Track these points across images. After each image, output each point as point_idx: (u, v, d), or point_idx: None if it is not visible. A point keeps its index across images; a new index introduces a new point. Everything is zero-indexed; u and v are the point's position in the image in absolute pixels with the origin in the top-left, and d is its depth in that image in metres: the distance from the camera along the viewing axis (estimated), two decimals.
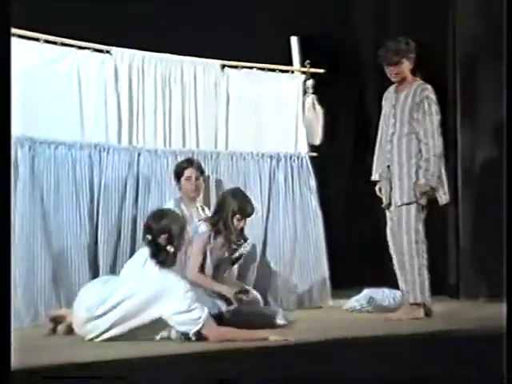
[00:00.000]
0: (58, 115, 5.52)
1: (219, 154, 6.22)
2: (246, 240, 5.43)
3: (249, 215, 5.33)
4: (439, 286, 6.28)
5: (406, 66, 5.41)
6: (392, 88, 5.55)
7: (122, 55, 5.88)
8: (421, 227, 5.31)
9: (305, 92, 6.55)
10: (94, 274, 5.41)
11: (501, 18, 4.08)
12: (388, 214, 5.49)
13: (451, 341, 4.42)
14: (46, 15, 5.67)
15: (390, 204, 5.45)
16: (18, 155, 5.28)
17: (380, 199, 5.54)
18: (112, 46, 5.84)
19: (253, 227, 5.71)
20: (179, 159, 5.91)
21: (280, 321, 4.94)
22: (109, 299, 4.35)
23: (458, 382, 3.97)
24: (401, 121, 5.40)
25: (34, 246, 5.26)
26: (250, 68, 6.43)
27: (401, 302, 5.58)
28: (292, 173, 6.43)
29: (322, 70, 6.62)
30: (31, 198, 5.30)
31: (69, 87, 5.62)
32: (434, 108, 5.32)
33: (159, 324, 4.34)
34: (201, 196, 5.86)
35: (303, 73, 6.57)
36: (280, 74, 6.54)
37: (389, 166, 5.45)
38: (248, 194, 5.70)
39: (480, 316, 5.40)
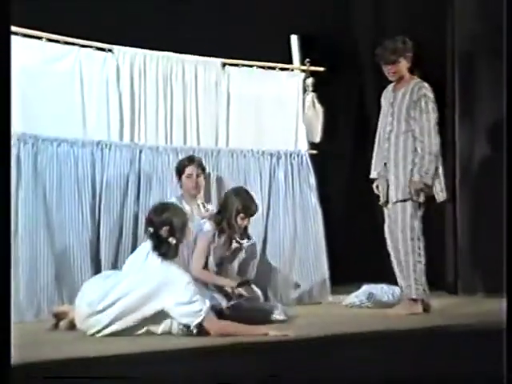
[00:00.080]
0: (61, 113, 5.54)
1: (220, 151, 6.25)
2: (249, 238, 5.47)
3: (252, 214, 5.36)
4: (437, 281, 6.35)
5: (404, 64, 5.43)
6: (390, 86, 5.58)
7: (124, 54, 5.91)
8: (416, 224, 5.32)
9: (305, 90, 6.57)
10: (96, 270, 5.43)
11: (500, 17, 4.10)
12: (386, 211, 5.51)
13: (449, 336, 4.45)
14: (48, 14, 5.68)
15: (387, 201, 5.48)
16: (21, 152, 5.30)
17: (379, 196, 5.58)
18: (114, 44, 5.86)
19: (253, 224, 5.71)
20: (180, 156, 5.94)
21: (279, 316, 4.96)
22: (110, 294, 4.38)
23: (456, 377, 3.99)
24: (398, 119, 5.42)
25: (37, 242, 5.29)
26: (251, 66, 6.44)
27: (399, 297, 5.62)
28: (292, 170, 6.46)
29: (321, 69, 6.65)
30: (34, 194, 5.32)
31: (71, 85, 5.65)
32: (431, 106, 5.34)
33: (160, 316, 4.39)
34: (202, 193, 5.88)
35: (303, 71, 6.59)
36: (280, 72, 6.56)
37: (385, 164, 5.49)
38: (249, 191, 5.75)
39: (478, 311, 5.43)
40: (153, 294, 4.34)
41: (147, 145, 5.93)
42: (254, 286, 5.54)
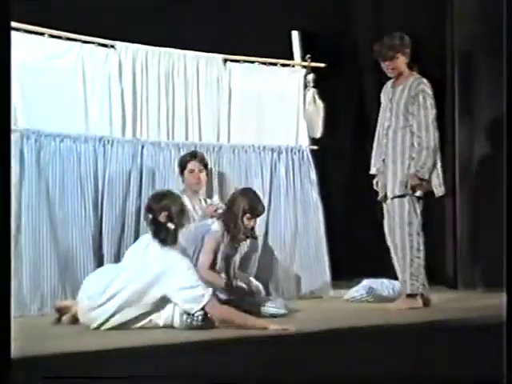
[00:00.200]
0: (63, 109, 5.56)
1: (221, 146, 6.26)
2: (255, 238, 5.49)
3: (259, 214, 5.37)
4: (437, 276, 6.37)
5: (402, 60, 5.44)
6: (389, 83, 5.59)
7: (126, 50, 5.92)
8: (415, 220, 5.34)
9: (305, 86, 6.58)
10: (99, 265, 5.43)
11: (500, 14, 4.12)
12: (385, 206, 5.53)
13: (449, 330, 4.47)
14: (50, 10, 5.70)
15: (385, 197, 5.50)
16: (24, 148, 5.33)
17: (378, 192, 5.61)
18: (116, 40, 5.89)
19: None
20: (182, 152, 5.96)
21: (272, 309, 5.00)
22: (110, 286, 4.42)
23: (455, 371, 4.02)
24: (396, 114, 5.43)
25: (40, 237, 5.31)
26: (252, 62, 6.46)
27: (400, 292, 5.62)
28: (293, 165, 6.48)
29: (322, 65, 6.65)
30: (37, 190, 5.35)
31: (73, 81, 5.66)
32: (430, 102, 5.34)
33: (162, 305, 4.42)
34: (204, 189, 5.91)
35: (304, 67, 6.59)
36: (281, 68, 6.57)
37: (384, 160, 5.51)
38: (249, 186, 5.78)
39: (477, 306, 5.44)
40: (154, 281, 4.37)
41: (149, 140, 5.94)
42: (254, 280, 5.59)
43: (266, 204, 6.19)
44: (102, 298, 4.40)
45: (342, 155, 7.66)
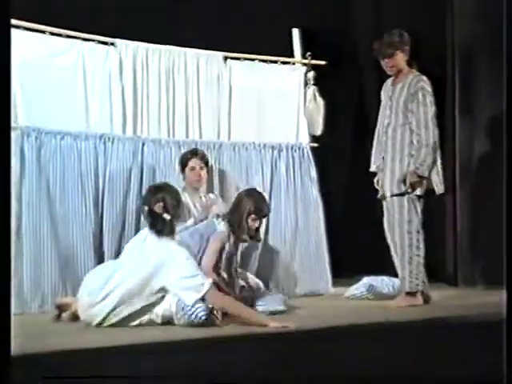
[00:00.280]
0: (64, 106, 5.57)
1: (222, 144, 6.27)
2: (258, 240, 5.50)
3: (264, 216, 5.37)
4: (437, 273, 6.38)
5: (401, 57, 5.43)
6: (389, 80, 5.59)
7: (127, 47, 5.93)
8: (415, 218, 5.33)
9: (306, 83, 6.59)
10: (99, 262, 5.43)
11: (501, 14, 4.12)
12: (384, 204, 5.53)
13: (449, 327, 4.48)
14: (50, 8, 5.71)
15: (385, 195, 5.51)
16: (25, 145, 5.34)
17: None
18: (116, 38, 5.89)
19: None
20: (183, 149, 5.97)
21: (271, 307, 5.00)
22: (109, 282, 4.44)
23: (455, 368, 4.02)
24: (396, 112, 5.43)
25: (41, 235, 5.33)
26: (252, 60, 6.46)
27: (400, 289, 5.63)
28: (293, 163, 6.48)
29: (323, 62, 6.66)
30: (37, 187, 5.36)
31: (74, 79, 5.67)
32: (429, 99, 5.33)
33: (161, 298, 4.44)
34: (204, 186, 5.92)
35: (304, 64, 6.60)
36: (282, 65, 6.57)
37: (383, 157, 5.52)
38: (250, 183, 5.78)
39: (477, 303, 5.45)
40: (154, 273, 4.39)
41: (150, 138, 5.95)
42: (254, 278, 5.60)
43: None
44: (101, 294, 4.43)
45: (342, 153, 7.67)
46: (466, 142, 6.66)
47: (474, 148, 6.65)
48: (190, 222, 5.56)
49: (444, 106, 6.35)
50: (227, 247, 5.28)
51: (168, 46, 6.13)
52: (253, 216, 5.24)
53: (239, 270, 5.54)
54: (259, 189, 5.76)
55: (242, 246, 5.61)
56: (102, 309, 4.41)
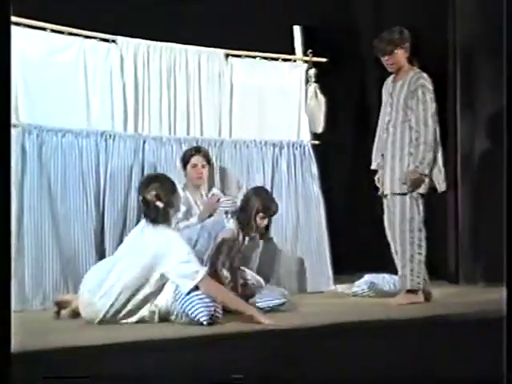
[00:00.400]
0: (65, 104, 5.57)
1: (223, 141, 6.28)
2: (268, 239, 5.49)
3: (272, 214, 5.33)
4: (439, 271, 6.38)
5: (401, 55, 5.42)
6: (391, 77, 5.57)
7: (128, 44, 5.93)
8: (416, 216, 5.32)
9: (307, 81, 6.58)
10: (101, 259, 5.36)
11: (501, 10, 4.12)
12: (385, 202, 5.52)
13: (450, 325, 4.48)
14: (52, 5, 5.71)
15: (385, 193, 5.51)
16: (26, 143, 5.35)
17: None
18: (117, 35, 5.90)
19: None
20: (184, 147, 5.98)
21: (271, 302, 4.99)
22: (108, 278, 4.46)
23: (457, 365, 4.03)
24: (396, 109, 5.42)
25: (42, 232, 5.33)
26: (254, 57, 6.47)
27: (401, 287, 5.65)
28: (295, 160, 6.49)
29: (324, 59, 6.66)
30: (39, 185, 5.36)
31: (75, 76, 5.67)
32: (429, 96, 5.31)
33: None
34: (206, 184, 5.91)
35: (306, 62, 6.60)
36: (283, 63, 6.57)
37: (383, 155, 5.51)
38: (251, 181, 5.77)
39: (478, 300, 5.45)
40: (152, 262, 4.41)
41: (151, 135, 5.96)
42: (255, 275, 5.60)
43: None
44: (101, 289, 4.43)
45: (343, 150, 7.67)
46: (467, 139, 6.66)
47: (476, 145, 6.65)
48: (193, 220, 5.56)
49: (445, 103, 6.34)
50: (236, 244, 5.27)
51: (169, 44, 6.14)
52: (261, 214, 5.23)
53: (242, 268, 5.55)
54: None
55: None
56: (102, 304, 4.42)
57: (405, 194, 5.32)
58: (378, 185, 5.57)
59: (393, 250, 5.48)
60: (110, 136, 5.74)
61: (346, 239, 7.07)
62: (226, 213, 5.37)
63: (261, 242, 5.96)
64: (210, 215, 5.59)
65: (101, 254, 5.54)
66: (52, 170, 5.46)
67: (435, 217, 6.12)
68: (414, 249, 5.32)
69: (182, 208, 5.46)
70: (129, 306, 4.44)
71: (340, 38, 7.27)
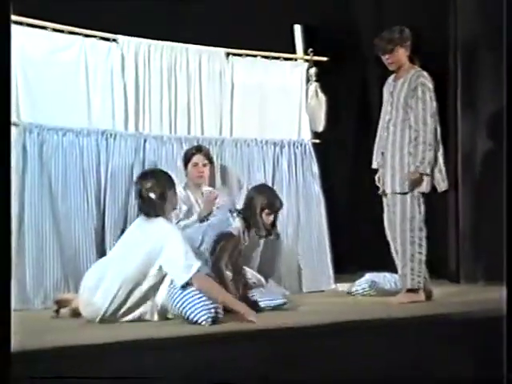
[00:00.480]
0: (66, 102, 5.58)
1: (224, 140, 6.28)
2: (276, 236, 5.49)
3: (277, 210, 5.33)
4: (440, 270, 6.38)
5: (402, 53, 5.40)
6: (391, 76, 5.56)
7: (129, 43, 5.94)
8: (417, 215, 5.30)
9: (308, 80, 6.58)
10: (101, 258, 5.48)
11: (502, 9, 4.12)
12: (385, 200, 5.51)
13: (450, 323, 4.48)
14: (52, 4, 5.71)
15: (385, 192, 5.50)
16: (27, 142, 5.35)
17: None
18: (118, 34, 5.90)
19: None
20: (184, 146, 5.98)
21: (271, 302, 4.99)
22: (106, 276, 4.46)
23: (457, 364, 4.03)
24: (396, 108, 5.41)
25: (43, 231, 5.34)
26: (255, 56, 6.48)
27: (402, 286, 5.65)
28: (295, 159, 6.49)
29: (325, 58, 6.66)
30: (39, 184, 5.37)
31: (76, 75, 5.68)
32: (429, 95, 5.30)
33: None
34: (206, 183, 5.90)
35: (306, 61, 6.60)
36: (284, 62, 6.58)
37: (383, 153, 5.50)
38: (252, 180, 5.76)
39: (479, 299, 5.44)
40: (150, 255, 4.42)
41: (152, 134, 5.96)
42: (256, 274, 5.60)
43: None
44: (100, 288, 4.44)
45: (344, 149, 7.67)
46: (468, 138, 6.66)
47: (477, 145, 6.65)
48: (194, 218, 5.57)
49: (446, 102, 6.34)
50: (242, 242, 5.27)
51: (170, 43, 6.15)
52: (266, 211, 5.23)
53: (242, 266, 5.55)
54: None
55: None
56: (102, 302, 4.42)
57: (405, 193, 5.32)
58: (379, 184, 5.57)
59: (393, 250, 5.47)
60: (111, 135, 5.74)
61: (347, 238, 7.08)
62: (231, 211, 5.37)
63: (261, 241, 5.97)
64: (210, 213, 5.58)
65: (101, 253, 5.53)
66: (53, 169, 5.46)
67: (436, 216, 6.12)
68: (414, 248, 5.31)
69: (183, 207, 5.48)
70: (128, 303, 4.44)
71: (341, 36, 7.26)
